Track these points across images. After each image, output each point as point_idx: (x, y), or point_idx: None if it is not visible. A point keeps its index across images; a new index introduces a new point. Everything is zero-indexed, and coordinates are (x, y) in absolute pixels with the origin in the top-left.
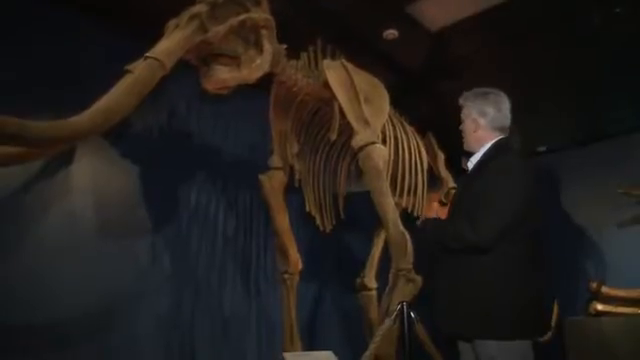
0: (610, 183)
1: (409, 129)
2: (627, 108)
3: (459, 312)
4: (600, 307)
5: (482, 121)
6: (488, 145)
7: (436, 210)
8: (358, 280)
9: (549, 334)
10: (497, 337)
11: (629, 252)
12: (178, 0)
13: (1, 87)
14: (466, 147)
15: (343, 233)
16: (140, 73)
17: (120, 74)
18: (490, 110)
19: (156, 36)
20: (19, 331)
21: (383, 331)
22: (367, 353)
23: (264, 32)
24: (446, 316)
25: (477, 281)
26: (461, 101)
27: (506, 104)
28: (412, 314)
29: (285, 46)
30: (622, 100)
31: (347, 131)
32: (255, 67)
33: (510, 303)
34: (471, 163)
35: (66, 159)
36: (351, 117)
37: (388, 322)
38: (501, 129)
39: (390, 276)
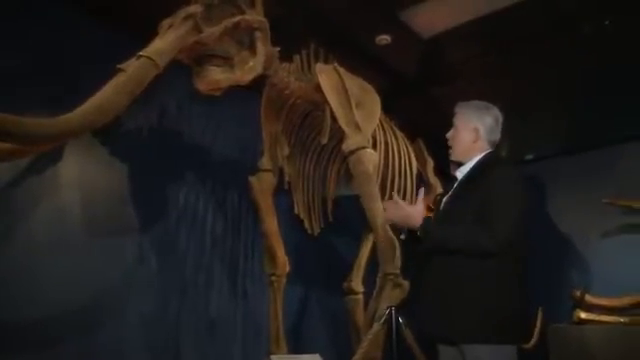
0: (596, 192)
1: (399, 134)
2: (615, 118)
3: (444, 315)
4: (583, 315)
5: (482, 132)
6: (478, 156)
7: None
8: (345, 284)
9: (533, 341)
10: (482, 341)
11: (614, 261)
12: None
13: None
14: (454, 156)
15: (331, 236)
16: (133, 72)
17: (113, 72)
18: (491, 122)
19: (150, 35)
20: (4, 327)
21: (371, 335)
22: (355, 357)
23: (258, 34)
24: (431, 319)
25: (463, 285)
26: (461, 109)
27: (501, 119)
28: (400, 319)
29: (278, 49)
30: (610, 110)
31: (338, 135)
32: (248, 69)
33: (496, 307)
34: (460, 173)
35: (55, 156)
36: (342, 121)
37: (376, 326)
38: (493, 143)
39: (377, 280)
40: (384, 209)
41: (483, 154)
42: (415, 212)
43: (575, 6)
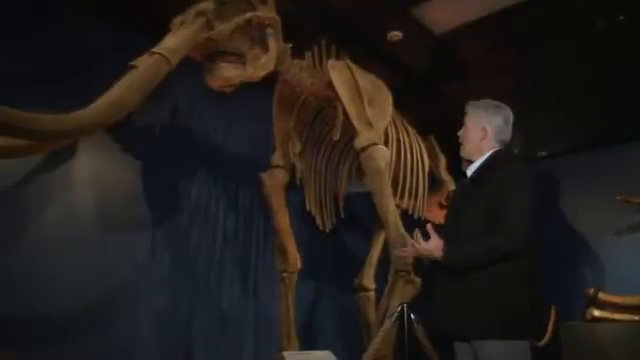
0: (609, 190)
1: (411, 131)
2: (628, 115)
3: (458, 313)
4: (597, 313)
5: (490, 132)
6: (487, 154)
7: (435, 212)
8: (357, 280)
9: (546, 338)
10: (492, 337)
11: (627, 259)
12: None
13: (6, 80)
14: (464, 154)
15: (343, 233)
16: (145, 69)
17: (125, 69)
18: (500, 122)
19: (162, 32)
20: (17, 322)
21: (383, 332)
22: (367, 353)
23: (270, 31)
24: (445, 317)
25: (472, 282)
26: (470, 109)
27: (512, 119)
28: (412, 315)
29: (290, 45)
30: (622, 107)
31: (349, 131)
32: (260, 65)
33: (505, 303)
34: (470, 170)
35: (68, 153)
36: (354, 118)
37: (389, 323)
38: (502, 142)
39: (389, 277)
40: (408, 249)
41: (491, 151)
42: (434, 246)
43: (588, 3)
